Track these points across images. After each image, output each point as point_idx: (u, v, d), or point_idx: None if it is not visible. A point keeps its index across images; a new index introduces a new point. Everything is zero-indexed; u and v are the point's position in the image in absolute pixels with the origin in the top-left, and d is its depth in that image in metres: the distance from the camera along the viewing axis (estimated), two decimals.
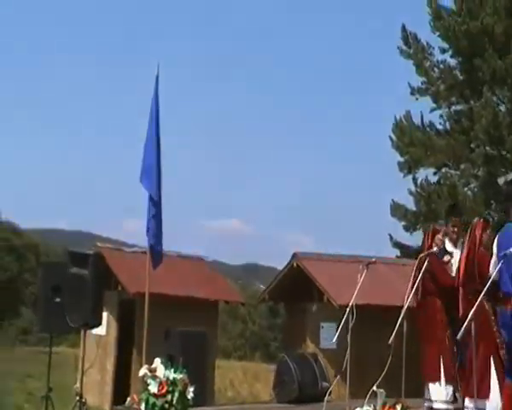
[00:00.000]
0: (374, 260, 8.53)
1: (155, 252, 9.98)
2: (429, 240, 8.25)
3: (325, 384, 9.83)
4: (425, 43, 25.51)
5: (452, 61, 25.25)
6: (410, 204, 25.20)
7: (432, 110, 24.91)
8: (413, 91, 25.07)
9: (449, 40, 24.50)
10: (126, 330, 16.50)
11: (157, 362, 8.43)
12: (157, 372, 8.45)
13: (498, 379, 7.47)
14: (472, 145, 24.37)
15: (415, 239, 26.19)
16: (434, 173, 25.10)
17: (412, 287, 8.03)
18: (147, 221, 9.89)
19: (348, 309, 8.10)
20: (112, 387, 16.44)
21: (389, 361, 7.73)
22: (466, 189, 23.36)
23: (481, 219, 7.88)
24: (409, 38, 25.57)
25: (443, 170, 25.05)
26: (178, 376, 8.46)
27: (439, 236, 8.18)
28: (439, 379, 7.81)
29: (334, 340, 8.08)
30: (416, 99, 25.02)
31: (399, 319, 7.64)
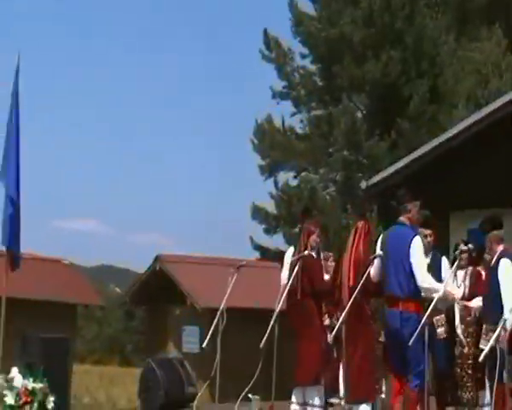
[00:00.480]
0: (244, 262, 8.34)
1: (14, 253, 9.33)
2: (304, 241, 8.07)
3: (192, 389, 9.56)
4: (286, 49, 25.87)
5: (312, 67, 25.78)
6: (271, 207, 25.44)
7: (292, 114, 25.29)
8: (274, 95, 25.35)
9: (309, 46, 24.96)
10: None
11: (14, 371, 7.86)
12: (14, 382, 7.87)
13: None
14: (330, 150, 24.96)
15: (275, 242, 26.58)
16: (295, 177, 25.49)
17: (284, 289, 7.89)
18: (2, 221, 9.23)
19: (219, 312, 7.87)
20: None
21: (260, 366, 7.58)
22: (325, 193, 23.83)
23: (364, 222, 7.75)
24: (271, 43, 25.84)
25: (303, 174, 25.48)
26: (38, 385, 7.92)
27: (315, 237, 8.05)
28: (313, 382, 7.67)
29: (204, 344, 7.81)
30: (277, 103, 25.35)
31: (272, 322, 7.49)
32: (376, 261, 7.13)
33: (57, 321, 16.98)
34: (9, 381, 7.94)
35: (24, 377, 7.96)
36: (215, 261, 17.33)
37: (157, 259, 16.31)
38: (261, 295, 16.22)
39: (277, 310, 7.58)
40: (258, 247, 26.26)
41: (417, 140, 22.70)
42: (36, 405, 7.87)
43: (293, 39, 25.74)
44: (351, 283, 7.61)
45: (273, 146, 24.73)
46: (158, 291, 16.61)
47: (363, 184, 12.52)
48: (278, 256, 25.31)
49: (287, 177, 25.55)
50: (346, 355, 7.17)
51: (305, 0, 26.29)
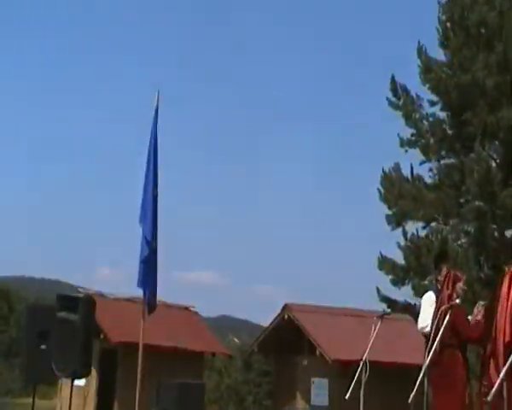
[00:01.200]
0: (389, 311, 7.90)
1: (149, 299, 9.28)
2: (449, 288, 7.56)
3: None
4: (414, 95, 25.32)
5: (441, 115, 25.08)
6: (399, 258, 24.67)
7: (421, 163, 24.59)
8: (402, 143, 24.75)
9: (439, 93, 24.30)
10: (107, 380, 15.69)
11: None
12: None
13: None
14: (461, 200, 24.05)
15: (402, 294, 25.72)
16: (423, 227, 24.65)
17: (433, 341, 7.35)
18: (139, 266, 9.21)
19: (361, 364, 7.43)
20: None
21: None
22: (456, 244, 22.89)
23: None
24: (398, 90, 25.36)
25: (432, 224, 24.63)
26: None
27: (461, 284, 7.56)
28: None
29: (347, 396, 7.36)
30: (406, 151, 24.71)
31: (420, 376, 6.98)
32: None
33: (185, 368, 16.94)
34: None
35: None
36: (343, 312, 16.90)
37: (285, 308, 15.99)
38: (397, 347, 15.63)
39: (427, 361, 7.08)
40: (385, 298, 25.47)
41: None
42: None
43: (421, 86, 25.25)
44: (507, 339, 6.98)
45: (401, 195, 24.07)
46: (285, 341, 16.29)
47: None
48: (406, 309, 24.52)
49: (415, 227, 24.81)
50: None
51: (435, 46, 25.78)
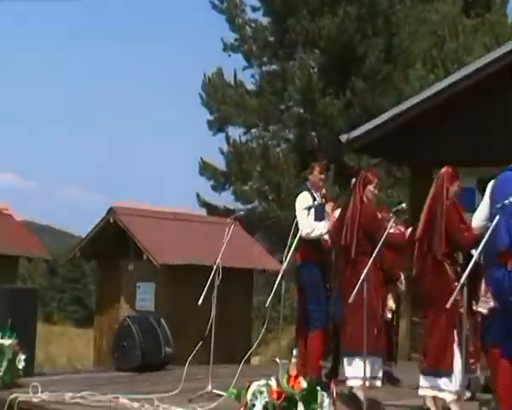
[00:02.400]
0: (242, 212, 7.72)
1: None
2: (360, 191, 7.10)
3: (168, 350, 8.96)
4: (237, 0, 25.07)
5: (264, 21, 25.08)
6: (220, 164, 24.78)
7: (244, 68, 24.59)
8: (226, 47, 24.55)
9: None
10: None
11: None
12: None
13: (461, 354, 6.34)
14: (282, 107, 24.43)
15: (223, 200, 26.03)
16: (244, 133, 24.86)
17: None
18: None
19: (215, 267, 7.29)
20: None
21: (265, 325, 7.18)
22: (277, 150, 23.31)
23: (450, 168, 6.78)
24: None
25: (253, 130, 24.88)
26: (7, 341, 7.21)
27: (371, 187, 7.14)
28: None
29: (200, 301, 7.19)
30: (229, 55, 24.56)
31: (277, 281, 6.96)
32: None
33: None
34: None
35: None
36: (171, 217, 16.66)
37: (111, 211, 15.45)
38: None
39: (284, 267, 7.04)
40: (205, 204, 25.60)
41: (372, 99, 22.43)
42: (5, 364, 7.16)
43: None
44: (419, 233, 6.71)
45: (224, 101, 24.01)
46: (110, 246, 15.82)
47: (344, 138, 11.96)
48: (226, 214, 24.79)
49: (237, 133, 24.96)
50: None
51: None
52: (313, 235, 7.38)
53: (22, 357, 7.31)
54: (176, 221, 16.38)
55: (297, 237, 7.15)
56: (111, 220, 15.45)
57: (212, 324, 7.28)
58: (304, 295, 7.68)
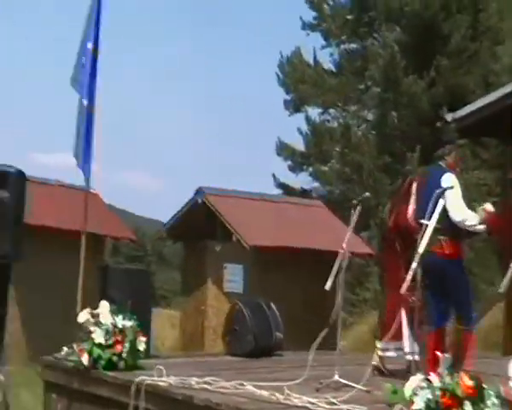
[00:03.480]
0: (367, 194, 7.35)
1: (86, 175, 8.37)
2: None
3: (279, 335, 8.68)
4: None
5: None
6: (299, 145, 24.41)
7: (322, 47, 24.10)
8: (304, 26, 24.11)
9: None
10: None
11: (104, 306, 6.93)
12: (101, 318, 6.96)
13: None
14: (361, 86, 23.92)
15: (299, 181, 25.70)
16: (322, 113, 24.42)
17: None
18: (76, 139, 8.20)
19: (342, 251, 6.89)
20: None
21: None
22: (357, 130, 22.80)
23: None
24: None
25: (331, 110, 24.43)
26: (128, 323, 7.02)
27: None
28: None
29: (328, 286, 6.80)
30: (307, 34, 24.09)
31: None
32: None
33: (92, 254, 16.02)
34: (96, 316, 7.03)
35: (112, 313, 7.05)
36: (259, 198, 16.42)
37: (199, 192, 15.28)
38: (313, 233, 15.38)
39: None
40: (281, 184, 25.28)
41: (457, 79, 21.72)
42: (127, 345, 6.97)
43: None
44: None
45: (303, 80, 23.58)
46: (197, 227, 15.67)
47: (449, 117, 11.41)
48: (302, 195, 24.43)
49: (314, 113, 24.53)
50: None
51: None
52: (466, 223, 6.82)
53: (143, 339, 7.10)
54: (264, 203, 16.15)
55: (432, 223, 6.63)
56: (199, 201, 15.30)
57: (338, 311, 6.89)
58: (440, 293, 6.98)
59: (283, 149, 24.46)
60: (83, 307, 7.41)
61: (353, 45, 23.88)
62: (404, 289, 5.77)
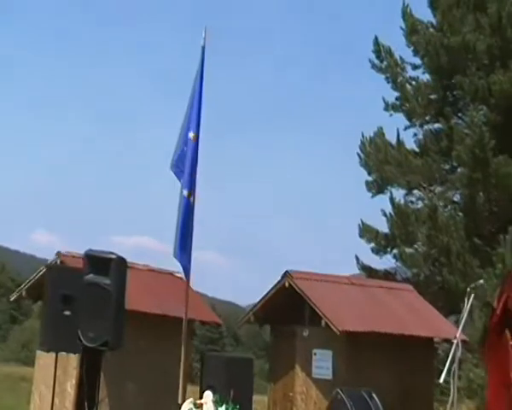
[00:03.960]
0: (481, 282, 6.85)
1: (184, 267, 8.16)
2: None
3: None
4: (398, 58, 24.47)
5: (425, 78, 24.31)
6: (381, 226, 23.87)
7: (406, 128, 23.78)
8: (387, 107, 23.89)
9: (425, 55, 23.44)
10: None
11: (208, 396, 6.58)
12: (204, 408, 6.60)
13: None
14: (446, 167, 23.42)
15: (383, 263, 25.07)
16: (406, 194, 23.92)
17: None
18: (178, 230, 8.01)
19: (456, 339, 6.41)
20: None
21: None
22: (444, 212, 22.17)
23: None
24: (381, 52, 24.45)
25: (415, 191, 23.92)
26: None
27: None
28: None
29: (442, 379, 6.29)
30: (390, 115, 23.86)
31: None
32: None
33: (173, 337, 15.80)
34: (199, 406, 6.68)
35: (216, 403, 6.68)
36: (346, 281, 15.97)
37: (286, 275, 14.91)
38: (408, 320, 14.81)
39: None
40: (364, 267, 24.65)
41: None
42: None
43: (404, 49, 24.41)
44: None
45: (386, 161, 23.24)
46: (284, 311, 15.24)
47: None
48: (386, 278, 23.75)
49: (397, 194, 24.03)
50: None
51: (420, 7, 25.02)
52: None
53: None
54: (353, 286, 15.67)
55: None
56: (286, 284, 14.93)
57: (454, 402, 6.36)
58: None
59: (366, 231, 23.96)
60: (183, 394, 7.08)
61: (438, 125, 23.48)
62: None
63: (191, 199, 7.93)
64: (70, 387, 14.61)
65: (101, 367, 14.37)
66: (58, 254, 15.14)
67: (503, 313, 6.46)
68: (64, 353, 8.61)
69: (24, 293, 15.79)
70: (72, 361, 14.24)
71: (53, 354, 14.20)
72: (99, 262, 6.92)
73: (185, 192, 7.96)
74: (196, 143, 7.90)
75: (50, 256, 15.34)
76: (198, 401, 6.65)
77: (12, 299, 17.16)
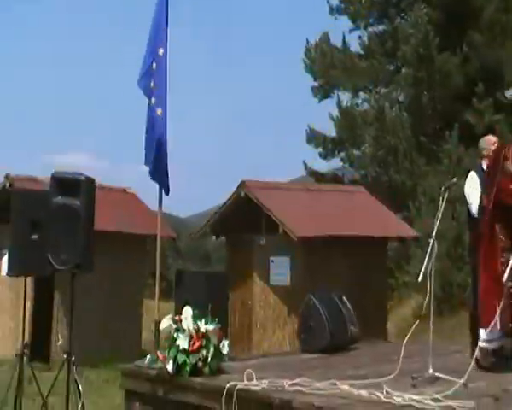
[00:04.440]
0: (454, 179, 6.95)
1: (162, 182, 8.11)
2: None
3: (354, 329, 8.36)
4: None
5: None
6: (329, 131, 24.00)
7: (351, 31, 23.66)
8: (331, 11, 23.66)
9: None
10: None
11: (187, 311, 6.62)
12: (184, 324, 6.66)
13: None
14: (391, 67, 23.49)
15: (331, 167, 25.35)
16: (352, 97, 24.00)
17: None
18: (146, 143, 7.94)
19: (432, 239, 6.54)
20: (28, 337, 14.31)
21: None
22: (392, 112, 22.33)
23: None
24: None
25: (360, 94, 24.02)
26: (211, 327, 6.72)
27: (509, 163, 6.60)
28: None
29: (420, 277, 6.43)
30: (335, 19, 23.69)
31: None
32: None
33: (130, 255, 15.84)
34: (178, 322, 6.74)
35: (194, 318, 6.75)
36: (301, 187, 16.08)
37: (242, 185, 14.91)
38: (359, 220, 15.05)
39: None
40: (312, 172, 24.85)
41: (491, 53, 21.22)
42: (212, 349, 6.67)
43: None
44: None
45: (333, 65, 23.16)
46: (240, 220, 15.32)
47: (509, 93, 10.97)
48: (334, 181, 24.00)
49: (344, 98, 24.08)
50: None
51: None
52: None
53: (226, 342, 6.82)
54: (307, 192, 15.79)
55: None
56: (242, 194, 14.96)
57: (430, 301, 6.54)
58: None
59: (314, 137, 24.07)
60: (158, 312, 7.13)
61: (382, 27, 23.44)
62: (506, 277, 5.49)
63: (162, 116, 7.85)
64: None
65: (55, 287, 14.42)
66: (7, 176, 14.87)
67: (493, 206, 6.57)
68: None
69: None
70: (26, 284, 14.16)
71: (4, 279, 14.20)
72: (68, 184, 6.79)
73: (158, 110, 7.87)
74: (164, 59, 7.76)
75: None
76: (176, 317, 6.70)
77: None
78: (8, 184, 14.61)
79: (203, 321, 6.68)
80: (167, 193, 8.08)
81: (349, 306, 8.47)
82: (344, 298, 8.52)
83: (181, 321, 6.63)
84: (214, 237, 16.77)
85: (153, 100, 7.83)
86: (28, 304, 14.48)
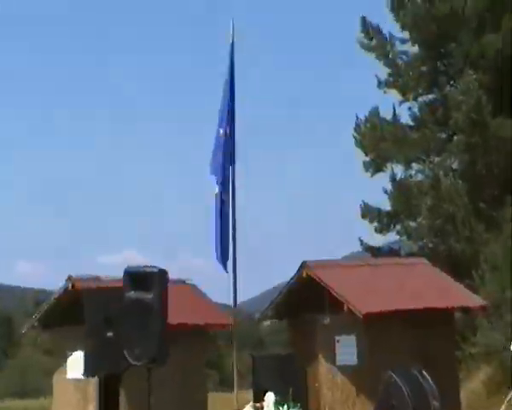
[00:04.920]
0: None
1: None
2: None
3: (436, 404, 8.02)
4: (387, 34, 24.25)
5: (414, 51, 24.11)
6: (383, 204, 23.75)
7: (401, 103, 23.61)
8: (380, 84, 23.70)
9: (413, 28, 23.24)
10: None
11: (269, 397, 6.41)
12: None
13: None
14: (443, 136, 23.33)
15: (386, 241, 25.05)
16: (405, 169, 23.80)
17: None
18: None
19: None
20: None
21: None
22: (447, 180, 22.03)
23: None
24: (370, 30, 24.22)
25: (413, 165, 23.81)
26: None
27: None
28: None
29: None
30: (384, 92, 23.69)
31: None
32: None
33: (196, 346, 15.48)
34: (259, 409, 6.53)
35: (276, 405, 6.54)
36: (361, 263, 15.84)
37: (303, 265, 14.73)
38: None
39: None
40: (368, 248, 24.45)
41: None
42: None
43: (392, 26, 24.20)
44: None
45: (383, 138, 23.05)
46: (303, 301, 15.07)
47: None
48: (392, 254, 23.60)
49: (396, 170, 23.87)
50: None
51: None
52: None
53: None
54: (368, 267, 15.54)
55: None
56: (304, 275, 14.75)
57: None
58: None
59: (368, 211, 23.84)
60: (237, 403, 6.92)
61: (432, 96, 23.36)
62: None
63: (223, 197, 7.76)
64: None
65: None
66: (69, 277, 14.75)
67: None
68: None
69: (36, 323, 15.64)
70: (91, 385, 14.00)
71: (71, 379, 14.09)
72: (140, 278, 6.74)
73: (217, 190, 7.79)
74: (226, 140, 7.71)
75: (35, 285, 15.11)
76: (258, 404, 6.49)
77: (24, 331, 17.34)
78: (70, 285, 14.52)
79: (285, 407, 6.45)
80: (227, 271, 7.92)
81: (429, 380, 8.14)
82: (424, 372, 8.19)
83: (262, 408, 6.42)
84: (269, 322, 16.49)
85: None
86: (94, 404, 14.38)
